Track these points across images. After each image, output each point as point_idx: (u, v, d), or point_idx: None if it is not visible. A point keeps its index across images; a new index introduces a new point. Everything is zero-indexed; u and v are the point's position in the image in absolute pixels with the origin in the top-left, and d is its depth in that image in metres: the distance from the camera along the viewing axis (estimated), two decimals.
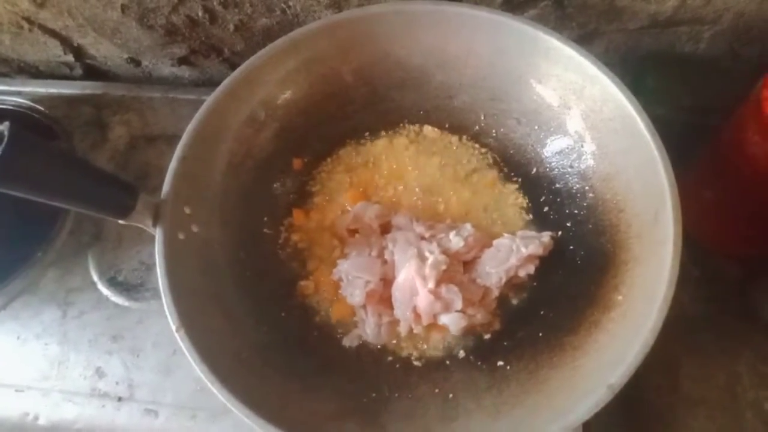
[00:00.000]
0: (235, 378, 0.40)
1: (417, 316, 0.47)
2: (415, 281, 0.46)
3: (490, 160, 0.55)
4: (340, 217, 0.53)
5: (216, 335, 0.43)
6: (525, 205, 0.53)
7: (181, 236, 0.45)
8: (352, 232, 0.53)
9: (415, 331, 0.48)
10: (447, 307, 0.46)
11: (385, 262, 0.50)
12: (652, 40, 0.59)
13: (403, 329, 0.48)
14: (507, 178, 0.54)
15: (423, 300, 0.46)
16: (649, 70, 0.59)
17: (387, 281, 0.49)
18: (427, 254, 0.47)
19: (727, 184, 0.50)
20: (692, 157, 0.51)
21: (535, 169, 0.53)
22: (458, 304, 0.46)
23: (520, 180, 0.54)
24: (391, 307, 0.49)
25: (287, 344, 0.47)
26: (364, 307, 0.48)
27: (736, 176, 0.47)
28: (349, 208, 0.53)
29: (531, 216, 0.53)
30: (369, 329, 0.48)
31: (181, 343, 0.41)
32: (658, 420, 0.48)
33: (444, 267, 0.47)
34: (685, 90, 0.57)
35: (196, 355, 0.40)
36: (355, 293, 0.48)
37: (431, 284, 0.46)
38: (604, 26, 0.58)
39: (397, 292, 0.48)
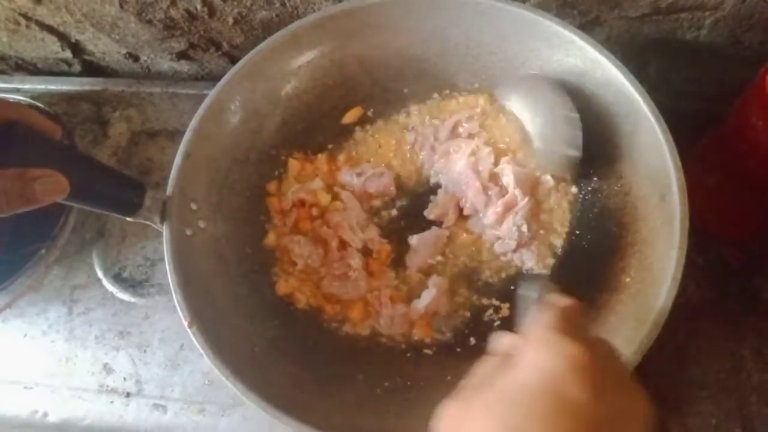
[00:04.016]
0: (248, 371, 0.40)
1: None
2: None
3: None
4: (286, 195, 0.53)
5: (227, 330, 0.44)
6: None
7: (188, 232, 0.45)
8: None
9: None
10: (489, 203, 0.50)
11: None
12: (654, 28, 0.59)
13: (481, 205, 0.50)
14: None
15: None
16: (651, 59, 0.58)
17: None
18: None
19: (730, 171, 0.50)
20: (695, 145, 0.51)
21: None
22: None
23: None
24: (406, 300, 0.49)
25: (298, 336, 0.47)
26: (377, 298, 0.49)
27: (740, 163, 0.47)
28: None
29: None
30: (383, 320, 0.48)
31: (193, 339, 0.41)
32: (663, 405, 0.48)
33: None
34: (688, 77, 0.57)
35: (209, 350, 0.40)
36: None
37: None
38: (605, 14, 0.57)
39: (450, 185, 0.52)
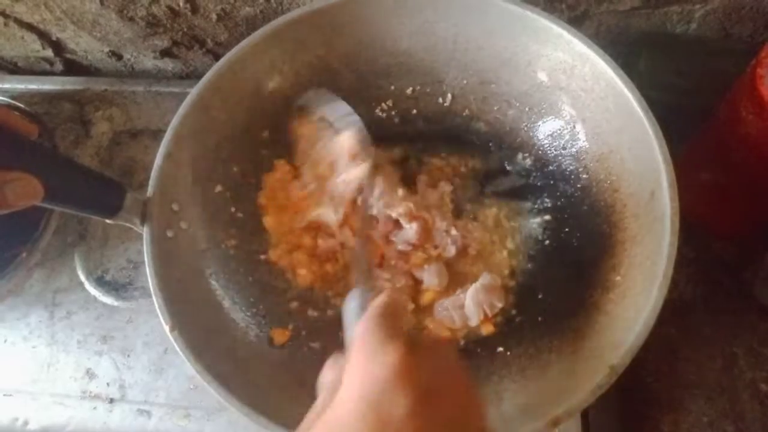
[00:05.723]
0: (232, 376, 0.40)
1: None
2: None
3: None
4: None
5: (210, 333, 0.43)
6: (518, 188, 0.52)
7: (169, 234, 0.44)
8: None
9: None
10: None
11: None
12: (643, 22, 0.58)
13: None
14: (500, 161, 0.54)
15: None
16: (640, 53, 0.58)
17: None
18: None
19: (721, 165, 0.50)
20: (686, 140, 0.50)
21: (528, 152, 0.53)
22: None
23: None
24: None
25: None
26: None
27: (731, 156, 0.47)
28: None
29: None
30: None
31: (174, 344, 0.40)
32: (655, 404, 0.48)
33: None
34: (677, 71, 0.57)
35: (190, 355, 0.39)
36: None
37: None
38: (594, 8, 0.57)
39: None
